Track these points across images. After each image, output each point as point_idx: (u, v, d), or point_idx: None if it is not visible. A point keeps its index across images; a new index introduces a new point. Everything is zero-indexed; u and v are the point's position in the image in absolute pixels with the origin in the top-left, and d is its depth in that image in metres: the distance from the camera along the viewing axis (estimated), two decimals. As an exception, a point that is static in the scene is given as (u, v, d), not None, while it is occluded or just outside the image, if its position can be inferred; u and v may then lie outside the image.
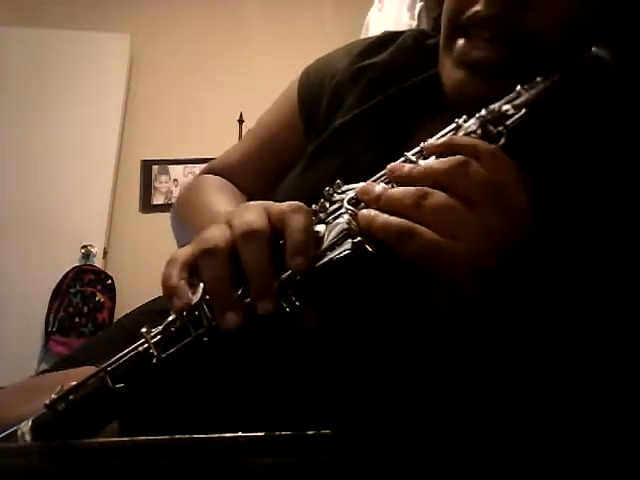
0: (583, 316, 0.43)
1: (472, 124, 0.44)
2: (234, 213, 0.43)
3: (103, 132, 3.09)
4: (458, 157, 0.39)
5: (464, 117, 0.45)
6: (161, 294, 0.43)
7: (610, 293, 0.44)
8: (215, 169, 0.76)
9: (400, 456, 0.38)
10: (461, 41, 0.51)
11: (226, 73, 3.22)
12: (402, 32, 0.68)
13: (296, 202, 0.42)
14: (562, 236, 0.44)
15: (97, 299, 2.93)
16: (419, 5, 1.64)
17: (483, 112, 0.45)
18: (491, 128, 0.43)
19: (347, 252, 0.40)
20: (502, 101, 0.45)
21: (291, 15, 3.26)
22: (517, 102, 0.45)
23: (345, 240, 0.40)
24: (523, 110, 0.44)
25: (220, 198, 0.67)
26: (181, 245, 0.68)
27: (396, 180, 0.42)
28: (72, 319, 2.88)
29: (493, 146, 0.42)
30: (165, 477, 0.36)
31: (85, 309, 2.91)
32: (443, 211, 0.38)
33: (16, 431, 0.40)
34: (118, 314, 2.91)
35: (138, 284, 2.83)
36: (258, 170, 0.72)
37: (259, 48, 3.18)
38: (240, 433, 0.38)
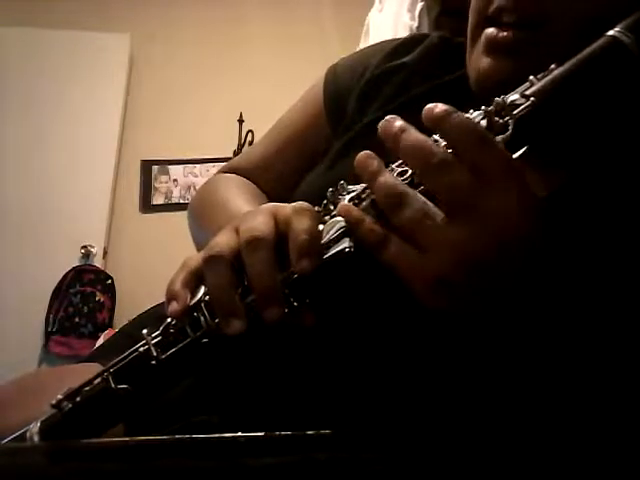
0: (584, 321, 0.43)
1: (477, 116, 0.42)
2: (243, 218, 0.44)
3: (103, 132, 3.09)
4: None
5: (471, 111, 0.42)
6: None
7: (614, 300, 0.44)
8: (235, 168, 0.75)
9: (400, 456, 0.38)
10: (489, 30, 0.52)
11: (226, 73, 3.22)
12: (428, 34, 0.69)
13: (301, 203, 0.43)
14: (574, 239, 0.43)
15: (97, 299, 2.93)
16: (419, 6, 1.64)
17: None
18: (496, 119, 0.41)
19: (345, 249, 0.40)
20: (512, 92, 0.42)
21: (291, 15, 3.26)
22: (527, 92, 0.42)
23: (343, 238, 0.40)
24: (531, 99, 0.41)
25: (237, 196, 0.66)
26: (197, 243, 0.68)
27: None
28: (72, 319, 2.88)
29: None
30: (165, 477, 0.36)
31: (85, 309, 2.91)
32: (415, 222, 0.38)
33: (25, 432, 0.41)
34: (118, 314, 2.91)
35: (138, 284, 2.84)
36: (281, 169, 0.71)
37: (259, 48, 3.18)
38: (240, 433, 0.38)
